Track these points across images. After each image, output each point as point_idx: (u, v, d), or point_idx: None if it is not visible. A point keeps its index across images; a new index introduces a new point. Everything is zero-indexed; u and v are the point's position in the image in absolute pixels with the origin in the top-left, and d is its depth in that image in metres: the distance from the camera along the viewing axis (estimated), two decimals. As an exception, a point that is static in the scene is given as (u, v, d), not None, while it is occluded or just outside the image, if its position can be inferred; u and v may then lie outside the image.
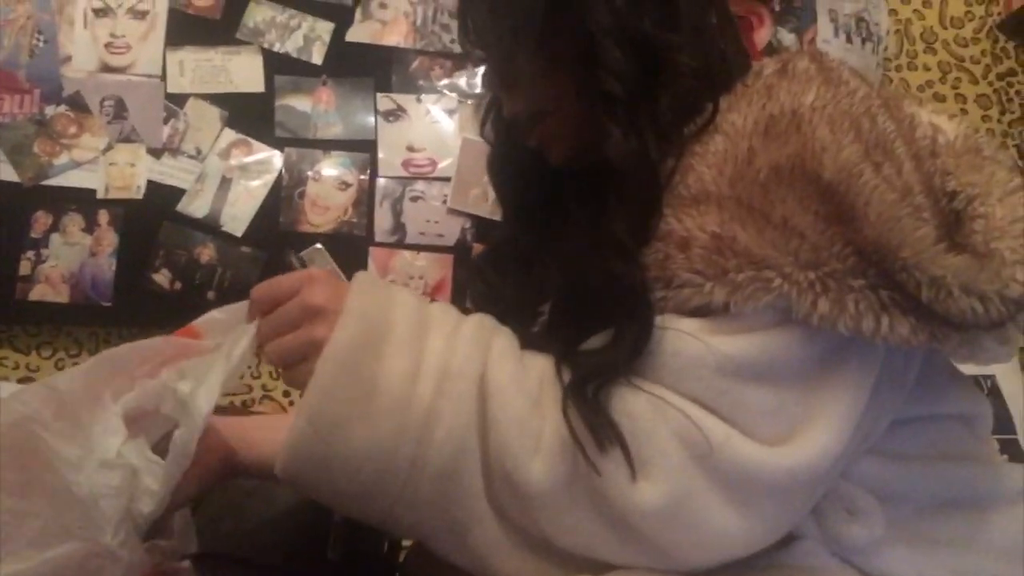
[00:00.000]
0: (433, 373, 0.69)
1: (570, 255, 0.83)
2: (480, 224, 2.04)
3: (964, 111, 2.24)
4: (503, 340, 0.74)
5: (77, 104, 1.95)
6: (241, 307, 0.74)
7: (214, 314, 0.75)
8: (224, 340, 0.72)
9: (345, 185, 2.02)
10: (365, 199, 2.01)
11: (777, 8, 2.14)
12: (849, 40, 2.15)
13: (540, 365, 0.73)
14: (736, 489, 0.67)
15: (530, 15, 0.80)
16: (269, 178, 1.99)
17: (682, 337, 0.70)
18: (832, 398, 0.70)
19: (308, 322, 0.71)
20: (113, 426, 0.66)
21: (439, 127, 2.07)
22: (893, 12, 2.28)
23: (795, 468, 0.68)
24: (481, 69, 2.06)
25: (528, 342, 0.76)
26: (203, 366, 0.70)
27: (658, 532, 0.68)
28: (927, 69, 2.27)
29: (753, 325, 0.70)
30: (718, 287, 0.69)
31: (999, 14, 2.29)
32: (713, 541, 0.69)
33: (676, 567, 0.70)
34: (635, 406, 0.69)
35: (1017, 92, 2.28)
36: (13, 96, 1.93)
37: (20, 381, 1.88)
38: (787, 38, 2.13)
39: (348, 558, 0.90)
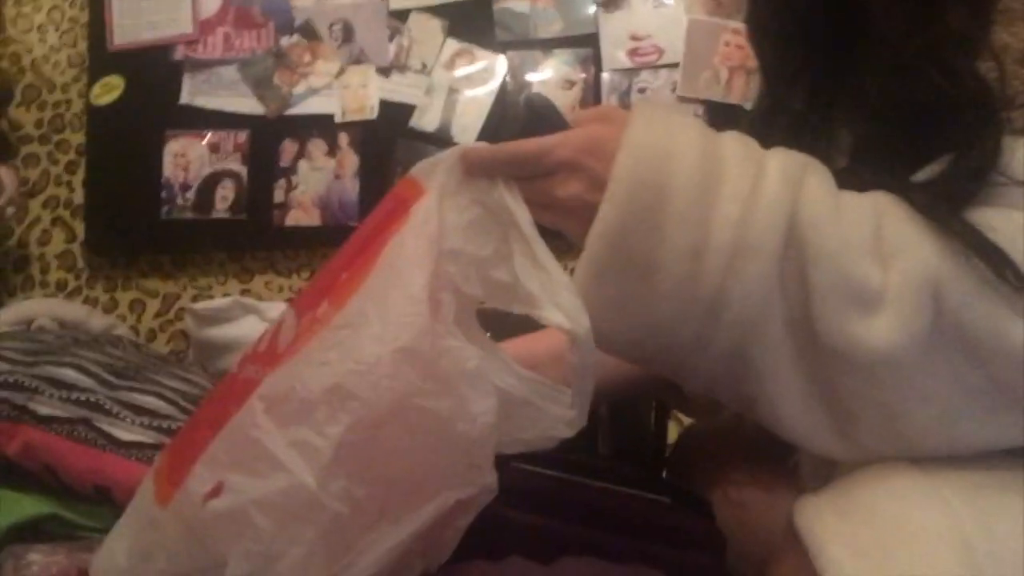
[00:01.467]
0: (724, 248, 0.59)
1: (882, 77, 0.69)
2: (714, 109, 1.94)
3: None
4: (818, 178, 0.62)
5: (308, 32, 2.01)
6: (451, 153, 0.68)
7: (423, 165, 0.69)
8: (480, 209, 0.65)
9: (570, 84, 1.97)
10: (591, 96, 1.96)
11: None
12: None
13: (873, 200, 0.61)
14: None
15: None
16: (494, 84, 1.98)
17: None
18: None
19: (574, 183, 0.63)
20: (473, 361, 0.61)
21: (662, 11, 1.97)
22: None
23: None
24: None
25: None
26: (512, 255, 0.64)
27: None
28: None
29: None
30: None
31: None
32: None
33: None
34: (1009, 230, 0.57)
35: None
36: (250, 32, 2.02)
37: (285, 302, 2.00)
38: None
39: (617, 452, 0.89)
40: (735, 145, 0.63)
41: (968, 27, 0.62)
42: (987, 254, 0.57)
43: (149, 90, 2.04)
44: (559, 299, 0.60)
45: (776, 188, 0.60)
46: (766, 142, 0.73)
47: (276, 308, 1.73)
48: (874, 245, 0.59)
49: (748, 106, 1.90)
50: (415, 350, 0.59)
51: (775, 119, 0.83)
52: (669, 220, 0.59)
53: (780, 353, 0.60)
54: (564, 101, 1.97)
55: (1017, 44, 0.60)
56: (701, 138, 0.62)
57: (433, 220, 0.63)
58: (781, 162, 0.62)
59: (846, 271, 0.58)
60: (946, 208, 0.59)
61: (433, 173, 0.66)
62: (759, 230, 0.59)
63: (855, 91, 0.74)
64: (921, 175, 0.63)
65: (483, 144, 0.67)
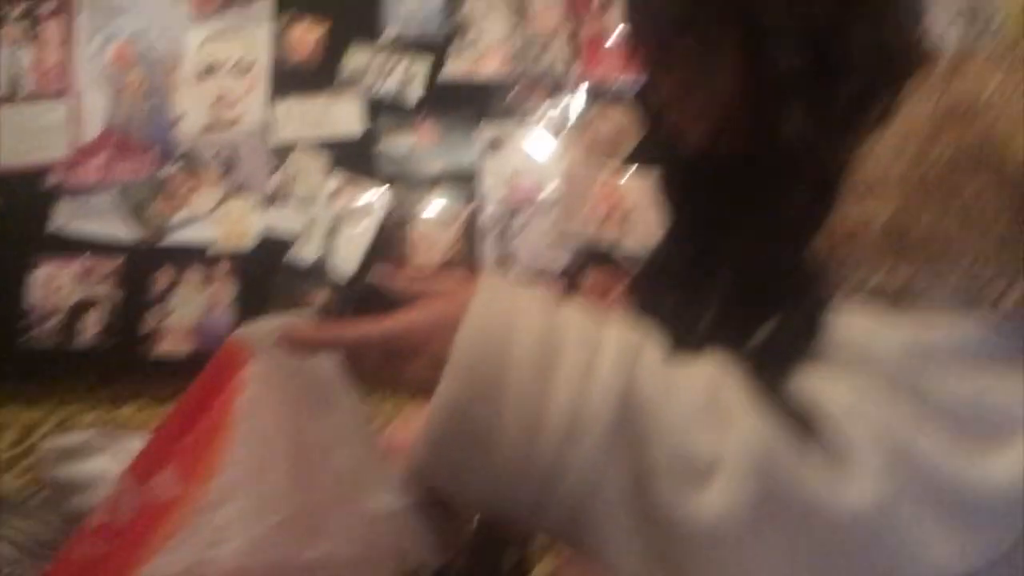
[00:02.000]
0: (558, 428, 0.61)
1: (737, 249, 0.77)
2: (588, 248, 2.01)
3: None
4: (652, 356, 0.65)
5: (190, 162, 2.01)
6: (277, 318, 0.70)
7: (250, 329, 0.71)
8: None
9: (450, 220, 2.01)
10: (471, 232, 2.01)
11: None
12: (962, 28, 2.04)
13: (706, 373, 0.65)
14: (943, 500, 0.60)
15: None
16: (375, 219, 2.00)
17: (859, 323, 0.64)
18: None
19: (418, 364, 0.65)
20: None
21: (541, 153, 2.05)
22: (1011, -7, 2.16)
23: (1003, 483, 0.60)
24: (582, 88, 2.05)
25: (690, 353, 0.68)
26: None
27: (863, 548, 0.60)
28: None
29: (937, 309, 0.62)
30: (896, 272, 0.63)
31: None
32: (922, 562, 0.60)
33: None
34: (831, 395, 0.62)
35: None
36: (132, 158, 2.01)
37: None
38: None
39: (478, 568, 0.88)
40: (575, 323, 0.66)
41: (798, 224, 0.68)
42: (813, 422, 0.60)
43: (20, 215, 1.99)
44: (375, 474, 0.64)
45: (610, 368, 0.62)
46: (662, 283, 0.83)
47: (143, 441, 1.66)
48: (708, 419, 0.62)
49: (621, 245, 1.99)
50: (298, 514, 0.63)
51: (671, 263, 0.90)
52: (506, 399, 0.61)
53: (618, 523, 0.62)
54: (445, 236, 2.00)
55: (851, 219, 0.66)
56: (542, 316, 0.65)
57: (271, 390, 0.65)
58: (617, 341, 0.65)
59: (679, 448, 0.61)
60: (776, 374, 0.63)
61: (259, 338, 0.68)
62: (592, 411, 0.61)
63: (726, 253, 0.80)
64: (760, 336, 0.67)
65: (312, 325, 0.69)
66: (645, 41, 0.85)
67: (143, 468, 0.69)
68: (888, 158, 0.66)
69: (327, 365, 0.68)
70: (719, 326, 0.78)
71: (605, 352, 0.63)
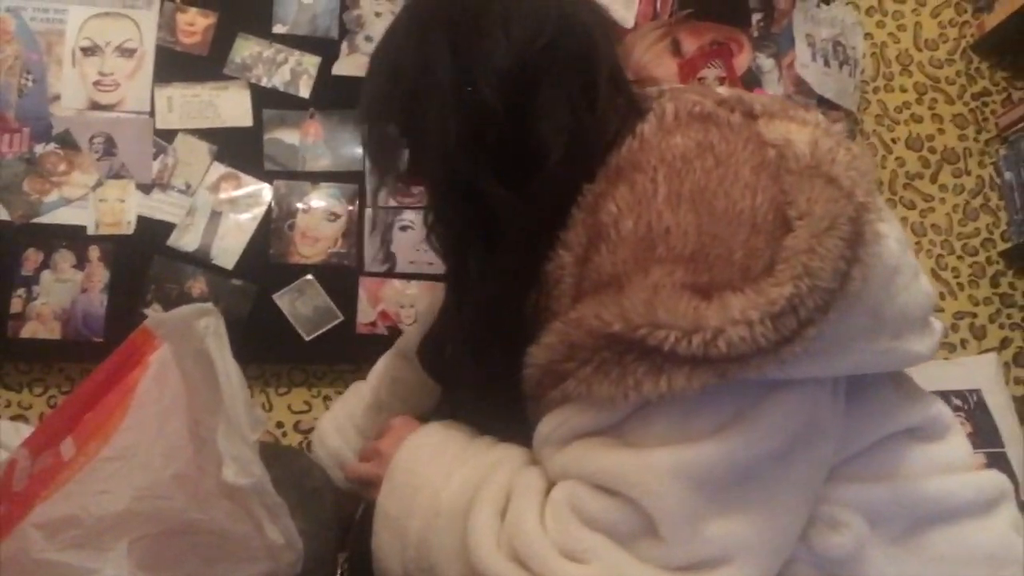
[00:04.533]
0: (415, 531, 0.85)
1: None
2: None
3: (941, 131, 2.29)
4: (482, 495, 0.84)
5: (66, 142, 1.96)
6: (187, 309, 0.79)
7: (158, 318, 0.80)
8: None
9: (334, 216, 2.03)
10: (354, 229, 2.03)
11: (755, 34, 2.18)
12: (827, 64, 2.19)
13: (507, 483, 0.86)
14: None
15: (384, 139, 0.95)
16: (259, 211, 2.00)
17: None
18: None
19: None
20: None
21: (426, 157, 2.09)
22: (869, 36, 2.33)
23: None
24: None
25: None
26: None
27: None
28: (904, 91, 2.32)
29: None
30: (555, 393, 0.80)
31: (972, 35, 2.35)
32: None
33: None
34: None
35: (992, 111, 2.33)
36: (3, 135, 1.95)
37: (12, 419, 1.87)
38: (766, 63, 2.17)
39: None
40: (456, 484, 0.86)
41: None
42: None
43: None
44: (235, 451, 0.71)
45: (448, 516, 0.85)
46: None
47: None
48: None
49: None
50: (185, 475, 0.71)
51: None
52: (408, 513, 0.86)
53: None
54: (328, 232, 2.02)
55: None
56: (436, 477, 0.87)
57: (175, 371, 0.71)
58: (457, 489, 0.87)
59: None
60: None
61: (167, 326, 0.75)
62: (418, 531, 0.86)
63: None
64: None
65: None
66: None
67: (40, 442, 0.71)
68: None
69: (226, 356, 0.74)
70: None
71: (449, 497, 0.85)
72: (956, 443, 0.88)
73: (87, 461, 0.66)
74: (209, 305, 0.80)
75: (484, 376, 0.90)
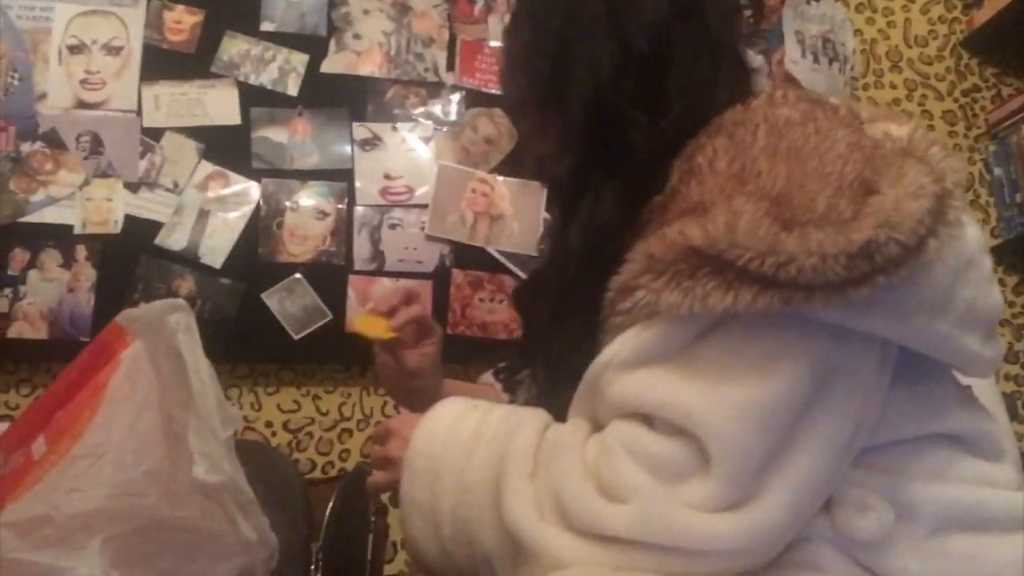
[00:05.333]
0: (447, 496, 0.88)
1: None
2: (458, 250, 2.06)
3: (931, 127, 2.29)
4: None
5: (53, 140, 1.95)
6: (159, 305, 0.78)
7: (130, 314, 0.79)
8: None
9: (323, 215, 2.03)
10: (343, 228, 2.03)
11: (745, 31, 2.17)
12: (816, 60, 2.19)
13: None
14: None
15: (534, 77, 0.97)
16: (247, 209, 2.00)
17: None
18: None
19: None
20: None
21: (415, 155, 2.09)
22: (859, 32, 2.33)
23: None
24: (455, 96, 2.11)
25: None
26: None
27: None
28: (893, 87, 2.32)
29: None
30: (624, 319, 0.82)
31: (962, 32, 2.35)
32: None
33: None
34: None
35: (982, 107, 2.32)
36: (-12, 134, 1.94)
37: (-1, 419, 1.87)
38: (756, 60, 2.17)
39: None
40: (479, 460, 0.88)
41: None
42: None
43: None
44: (206, 449, 0.71)
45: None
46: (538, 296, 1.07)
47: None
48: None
49: (489, 249, 2.05)
50: (158, 472, 0.70)
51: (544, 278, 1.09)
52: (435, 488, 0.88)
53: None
54: (317, 231, 2.02)
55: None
56: (457, 456, 0.88)
57: (147, 368, 0.70)
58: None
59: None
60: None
61: (139, 321, 0.74)
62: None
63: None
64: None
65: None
66: (505, 91, 1.00)
67: (11, 441, 0.71)
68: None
69: (197, 354, 0.73)
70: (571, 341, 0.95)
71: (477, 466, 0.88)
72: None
73: (58, 459, 0.66)
74: (181, 301, 0.79)
75: (567, 308, 0.94)
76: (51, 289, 1.90)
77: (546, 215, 1.97)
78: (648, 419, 0.79)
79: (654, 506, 0.74)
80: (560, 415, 0.89)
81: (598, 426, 0.84)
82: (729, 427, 0.74)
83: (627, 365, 0.81)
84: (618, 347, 0.82)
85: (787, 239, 0.73)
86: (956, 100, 2.32)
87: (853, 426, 0.79)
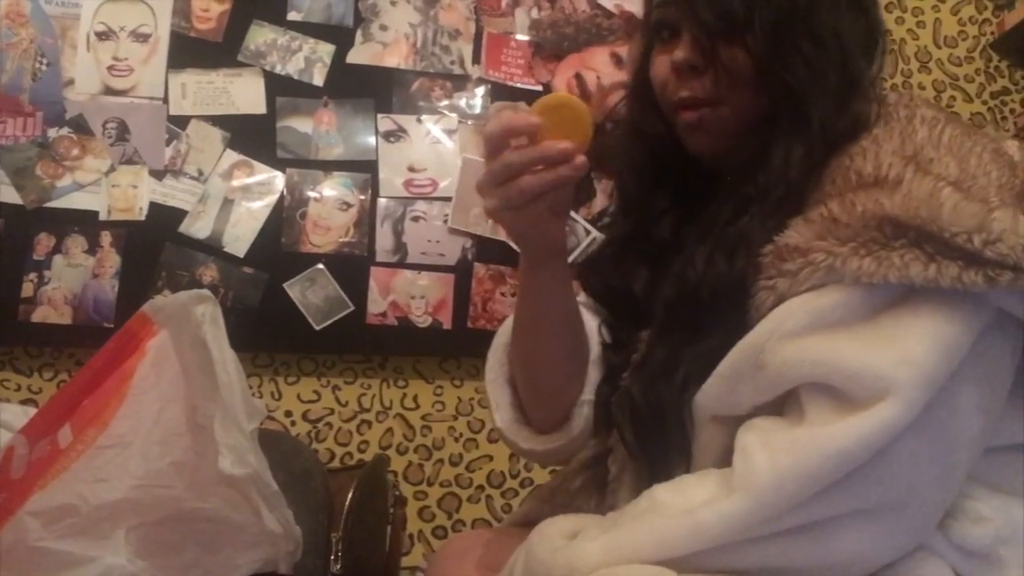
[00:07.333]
0: None
1: (691, 251, 0.89)
2: (480, 243, 2.05)
3: (959, 129, 2.27)
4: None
5: (80, 127, 1.97)
6: (185, 295, 0.78)
7: (156, 303, 0.79)
8: None
9: (346, 205, 2.03)
10: (366, 219, 2.03)
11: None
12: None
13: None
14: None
15: (777, 12, 0.87)
16: (271, 199, 2.00)
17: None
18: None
19: None
20: None
21: (439, 147, 2.09)
22: (887, 32, 2.30)
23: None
24: (480, 90, 2.10)
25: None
26: None
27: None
28: (922, 88, 2.30)
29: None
30: (779, 281, 0.79)
31: (992, 33, 2.32)
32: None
33: None
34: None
35: (1011, 110, 2.30)
36: (16, 119, 1.95)
37: (22, 403, 1.88)
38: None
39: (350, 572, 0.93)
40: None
41: (752, 241, 0.83)
42: None
43: None
44: (232, 441, 0.70)
45: None
46: (629, 263, 0.98)
47: (7, 410, 1.62)
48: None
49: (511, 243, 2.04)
50: (183, 463, 0.71)
51: (638, 244, 1.00)
52: None
53: None
54: (340, 221, 2.02)
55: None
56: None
57: (173, 358, 0.70)
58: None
59: None
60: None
61: (164, 311, 0.74)
62: None
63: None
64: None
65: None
66: (700, 34, 0.91)
67: (38, 429, 0.71)
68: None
69: (223, 345, 0.74)
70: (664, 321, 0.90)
71: None
72: None
73: (84, 449, 0.66)
74: (207, 292, 0.80)
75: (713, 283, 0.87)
76: (76, 275, 1.91)
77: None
78: (823, 389, 0.75)
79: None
80: (666, 399, 0.85)
81: (735, 416, 0.80)
82: (922, 395, 0.72)
83: (797, 332, 0.76)
84: (784, 315, 0.77)
85: (996, 217, 0.72)
86: (985, 102, 2.30)
87: (985, 418, 0.78)
